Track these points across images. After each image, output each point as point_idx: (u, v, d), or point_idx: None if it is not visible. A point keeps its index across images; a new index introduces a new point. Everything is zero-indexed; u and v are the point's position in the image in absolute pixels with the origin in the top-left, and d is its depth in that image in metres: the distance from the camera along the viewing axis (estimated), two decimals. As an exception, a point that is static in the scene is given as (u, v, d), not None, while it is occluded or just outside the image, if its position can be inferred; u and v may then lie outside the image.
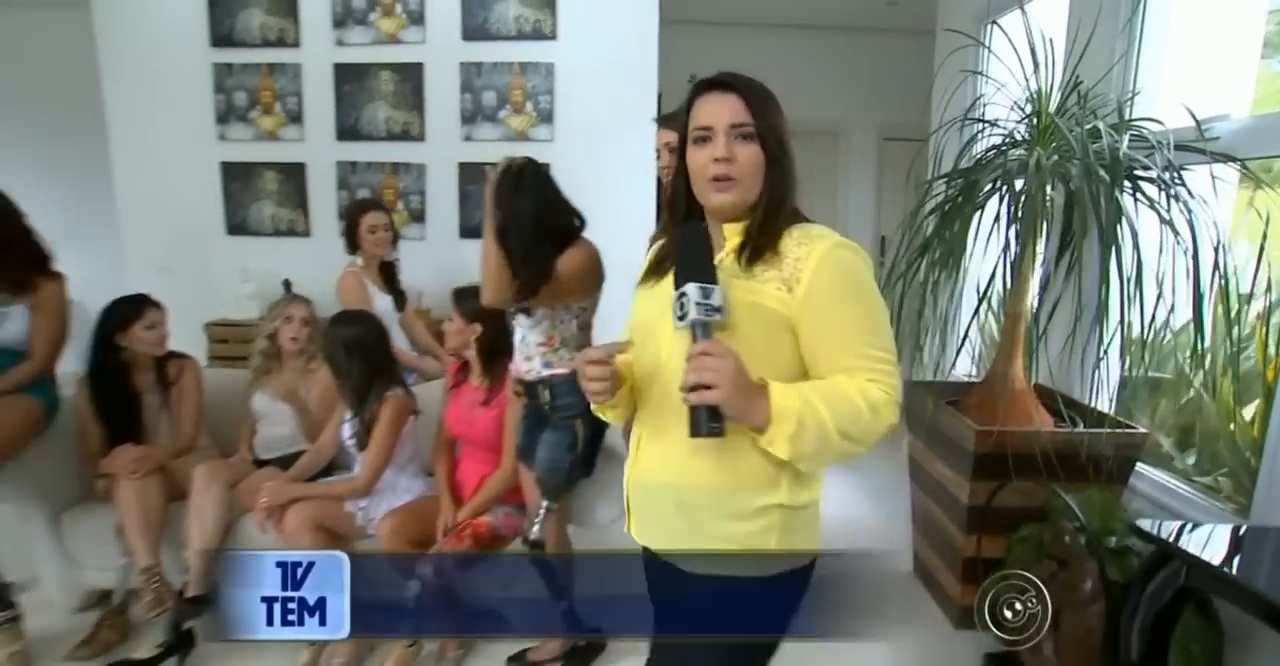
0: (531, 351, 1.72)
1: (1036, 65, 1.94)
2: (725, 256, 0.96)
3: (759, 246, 0.94)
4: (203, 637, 1.95)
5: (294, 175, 3.25)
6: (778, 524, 0.95)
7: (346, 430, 2.03)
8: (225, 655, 1.98)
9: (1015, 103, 2.03)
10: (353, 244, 2.52)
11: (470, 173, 3.13)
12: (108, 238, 3.42)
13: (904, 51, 4.48)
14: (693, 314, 0.84)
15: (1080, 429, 1.93)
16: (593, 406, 1.01)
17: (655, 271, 1.03)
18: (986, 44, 2.64)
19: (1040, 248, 1.99)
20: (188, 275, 3.30)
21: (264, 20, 3.19)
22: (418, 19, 3.13)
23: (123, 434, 2.10)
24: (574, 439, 1.69)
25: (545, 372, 1.71)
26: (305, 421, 2.22)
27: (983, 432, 1.90)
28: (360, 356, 1.93)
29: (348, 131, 3.21)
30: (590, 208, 2.84)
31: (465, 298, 1.88)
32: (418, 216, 3.21)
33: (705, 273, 0.87)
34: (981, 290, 2.08)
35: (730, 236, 0.97)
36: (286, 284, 3.11)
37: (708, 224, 0.97)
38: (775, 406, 0.85)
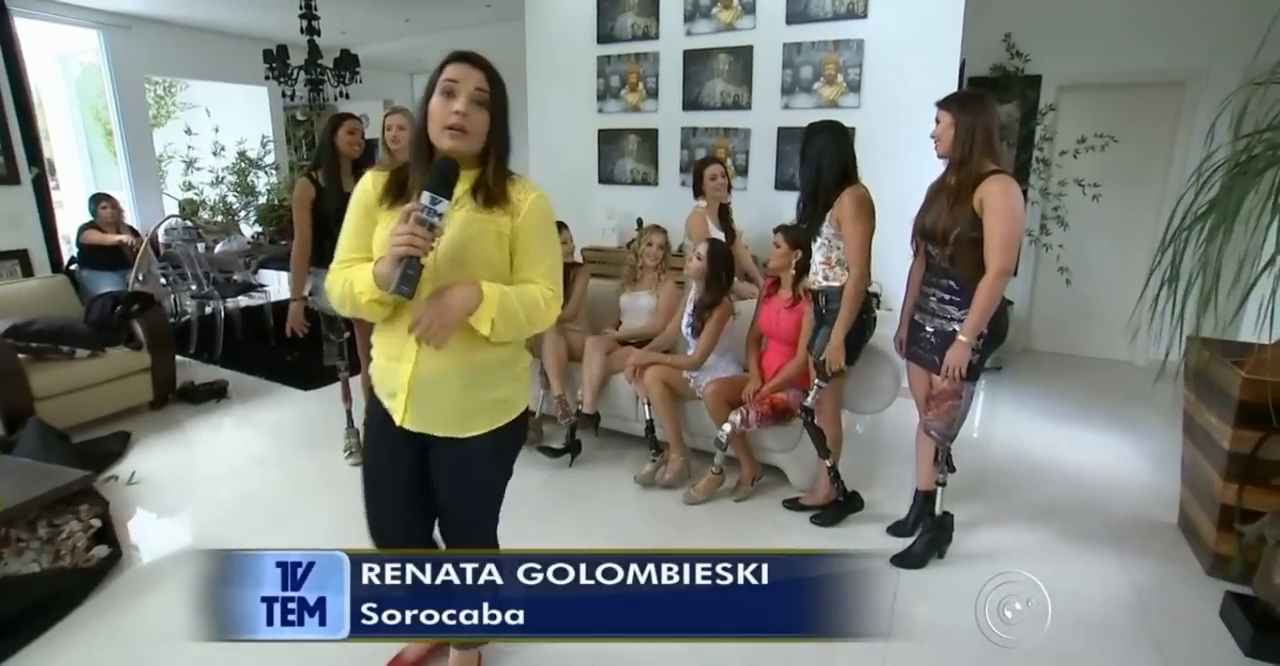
0: (817, 268, 2.34)
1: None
2: (463, 194, 1.27)
3: (492, 194, 1.28)
4: (586, 446, 3.03)
5: (648, 138, 4.23)
6: (522, 380, 1.41)
7: (685, 323, 2.88)
8: (599, 459, 3.04)
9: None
10: (698, 190, 3.33)
11: (787, 136, 3.75)
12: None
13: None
14: (419, 214, 1.15)
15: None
16: (365, 300, 1.24)
17: (400, 195, 1.29)
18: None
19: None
20: (571, 214, 4.53)
21: (634, 20, 4.15)
22: (750, 9, 3.78)
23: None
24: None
25: (824, 283, 2.32)
26: (655, 315, 3.15)
27: (1249, 380, 2.01)
28: (726, 269, 2.74)
29: (691, 103, 4.05)
30: (890, 165, 3.27)
31: (789, 230, 2.54)
32: (742, 171, 3.95)
33: (443, 189, 1.16)
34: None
35: (465, 180, 1.27)
36: (639, 221, 4.13)
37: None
38: (486, 292, 1.22)
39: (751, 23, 3.80)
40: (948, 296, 2.09)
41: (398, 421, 1.32)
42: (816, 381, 2.37)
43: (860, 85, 3.56)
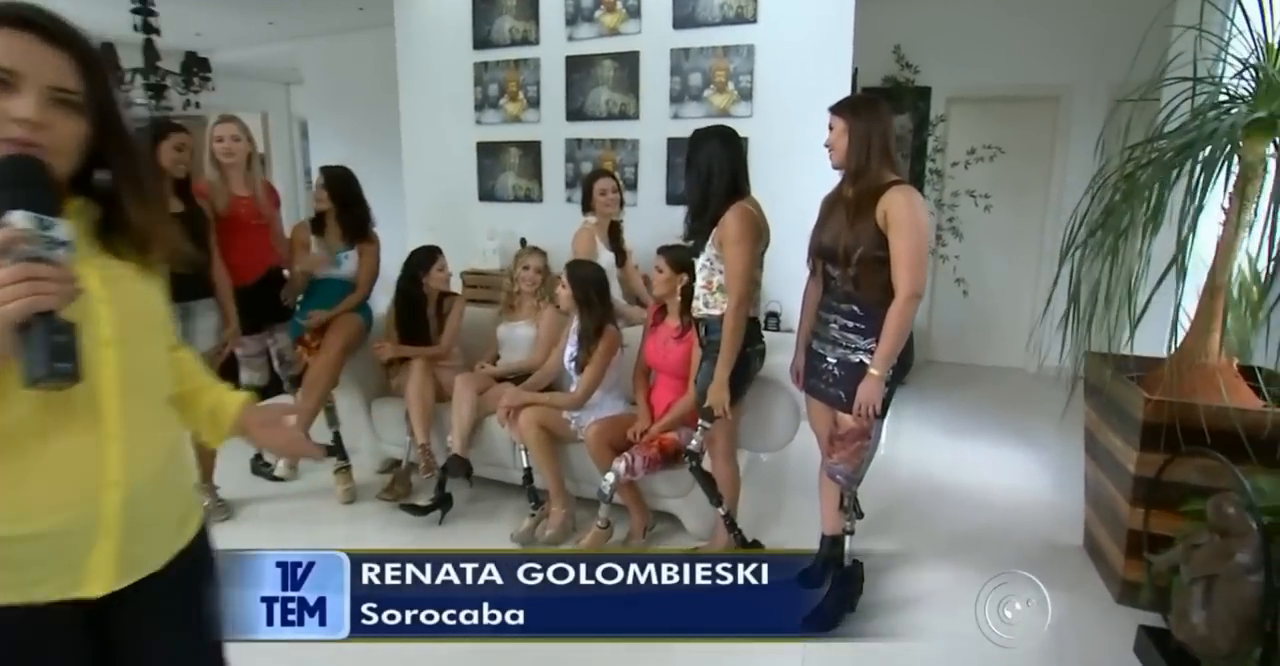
0: (699, 292, 2.09)
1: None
2: (91, 237, 0.82)
3: (148, 239, 0.85)
4: (458, 499, 2.64)
5: (531, 151, 3.91)
6: None
7: (568, 356, 2.56)
8: (473, 514, 2.66)
9: (1235, 58, 1.92)
10: (587, 205, 3.03)
11: (677, 147, 3.51)
12: (396, 207, 4.39)
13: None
14: (28, 247, 0.65)
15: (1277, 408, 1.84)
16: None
17: None
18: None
19: (1252, 215, 1.89)
20: (449, 234, 4.14)
21: (512, 24, 3.84)
22: (635, 13, 3.55)
23: (411, 343, 2.85)
24: None
25: (705, 311, 2.06)
26: (535, 348, 2.82)
27: (1153, 402, 1.90)
28: (597, 293, 2.43)
29: (575, 113, 3.76)
30: (787, 177, 3.09)
31: (672, 251, 2.27)
32: (630, 185, 3.68)
33: (44, 203, 0.67)
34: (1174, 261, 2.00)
35: (76, 216, 0.79)
36: (522, 241, 3.78)
37: None
38: None
39: (637, 27, 3.57)
40: (850, 323, 1.87)
41: (97, 591, 0.81)
42: (700, 422, 2.10)
43: (752, 93, 3.39)
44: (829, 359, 1.92)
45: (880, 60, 4.31)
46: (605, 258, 2.97)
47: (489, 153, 4.02)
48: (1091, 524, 2.40)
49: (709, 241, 2.04)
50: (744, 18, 3.35)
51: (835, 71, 3.26)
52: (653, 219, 3.53)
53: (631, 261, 3.14)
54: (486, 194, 4.07)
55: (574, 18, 3.69)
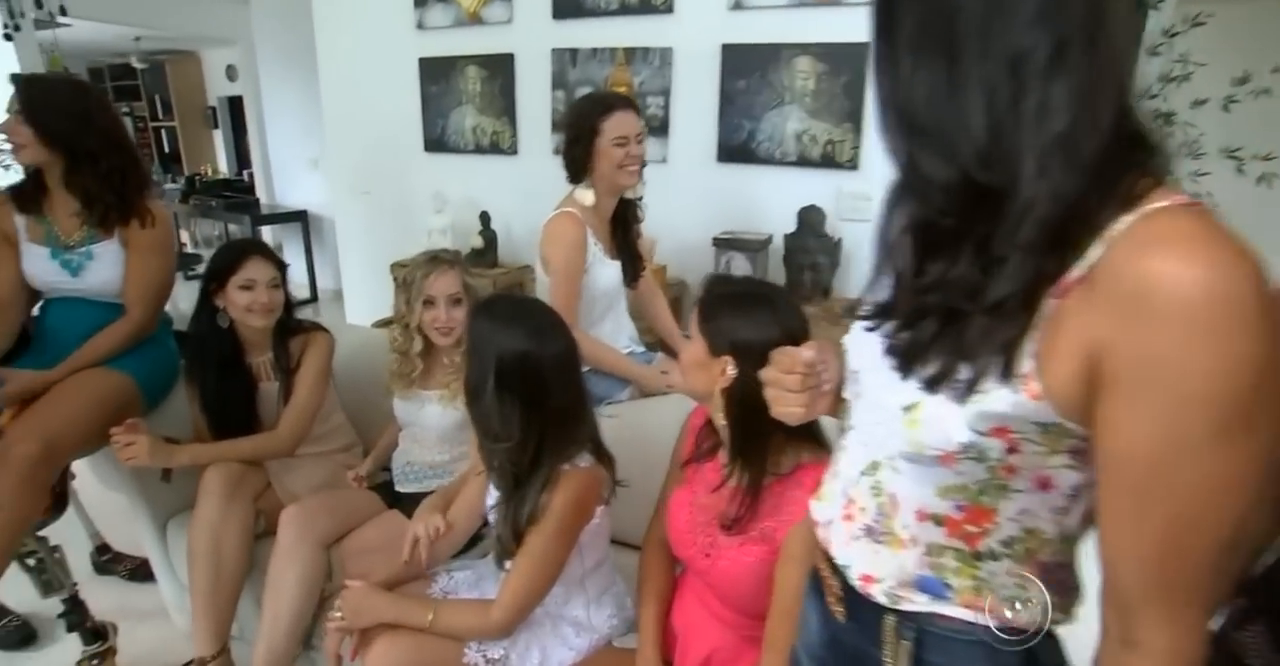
0: (938, 537, 0.61)
1: None
2: None
3: None
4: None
5: (499, 70, 2.37)
6: None
7: (489, 506, 1.15)
8: None
9: None
10: (582, 166, 1.53)
11: (739, 57, 1.98)
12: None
13: None
14: None
15: None
16: None
17: None
18: None
19: None
20: (385, 203, 2.75)
21: None
22: None
23: (235, 432, 1.49)
24: None
25: (917, 601, 0.58)
26: (461, 443, 1.44)
27: None
28: (530, 395, 0.98)
29: (568, 6, 2.21)
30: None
31: (715, 301, 0.84)
32: (659, 128, 2.13)
33: None
34: None
35: None
36: (483, 217, 2.36)
37: None
38: None
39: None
40: None
41: None
42: None
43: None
44: None
45: None
46: (606, 275, 1.52)
47: (437, 74, 2.52)
48: None
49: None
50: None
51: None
52: (698, 188, 2.03)
53: (651, 275, 1.69)
54: (434, 142, 2.59)
55: None
